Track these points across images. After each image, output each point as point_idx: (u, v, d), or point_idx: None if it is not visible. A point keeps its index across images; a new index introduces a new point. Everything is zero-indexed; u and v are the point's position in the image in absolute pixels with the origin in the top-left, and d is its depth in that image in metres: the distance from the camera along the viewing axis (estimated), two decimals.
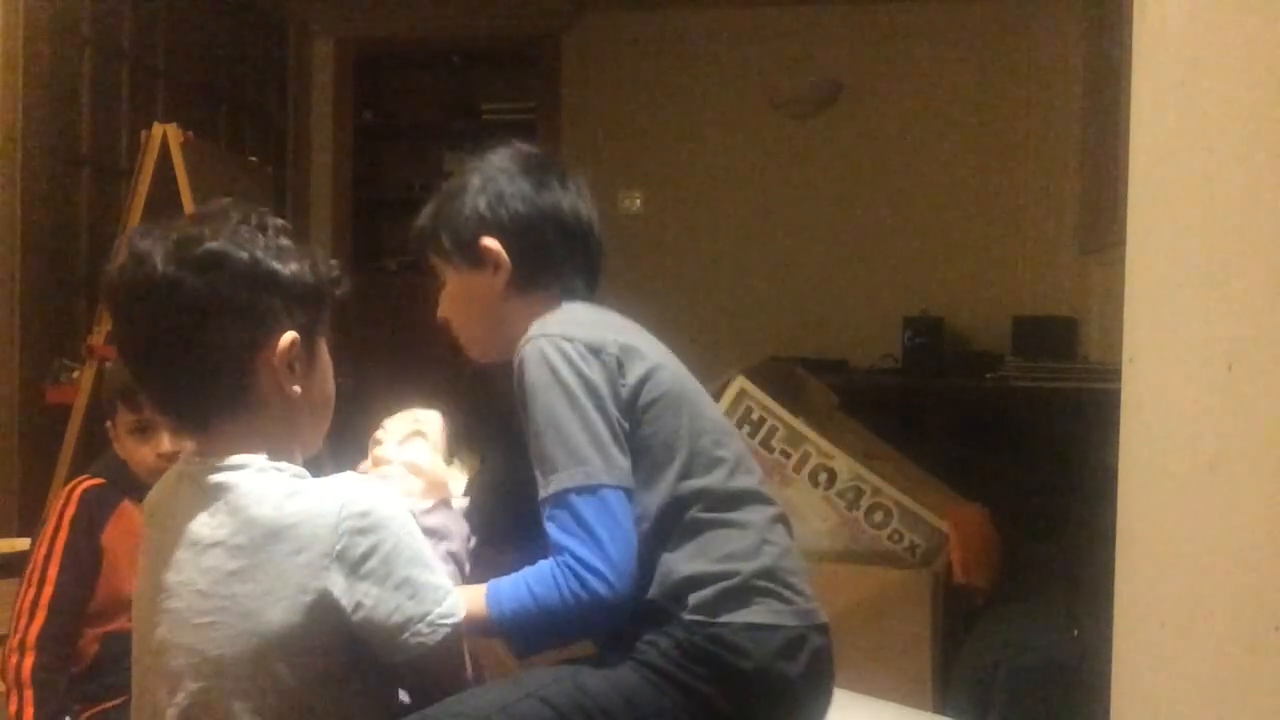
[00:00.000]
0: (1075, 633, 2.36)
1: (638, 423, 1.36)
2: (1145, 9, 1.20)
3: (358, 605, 1.12)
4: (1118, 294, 1.29)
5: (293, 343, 1.20)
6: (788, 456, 2.56)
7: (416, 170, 5.47)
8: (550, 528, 1.31)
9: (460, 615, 1.18)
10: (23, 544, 2.88)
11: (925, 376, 4.49)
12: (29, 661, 1.79)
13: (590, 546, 1.27)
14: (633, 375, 1.36)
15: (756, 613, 1.33)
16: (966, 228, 4.90)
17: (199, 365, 1.16)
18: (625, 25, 5.21)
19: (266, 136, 5.08)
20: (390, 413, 1.49)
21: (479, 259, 1.46)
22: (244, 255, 1.17)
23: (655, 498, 1.35)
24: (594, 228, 1.51)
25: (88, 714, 1.85)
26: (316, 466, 1.26)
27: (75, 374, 3.39)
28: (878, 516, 2.58)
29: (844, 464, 2.59)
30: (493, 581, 1.32)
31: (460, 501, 1.44)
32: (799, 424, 2.62)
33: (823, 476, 2.59)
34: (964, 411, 4.23)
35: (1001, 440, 3.74)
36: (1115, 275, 1.85)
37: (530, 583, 1.29)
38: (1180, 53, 1.14)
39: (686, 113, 5.12)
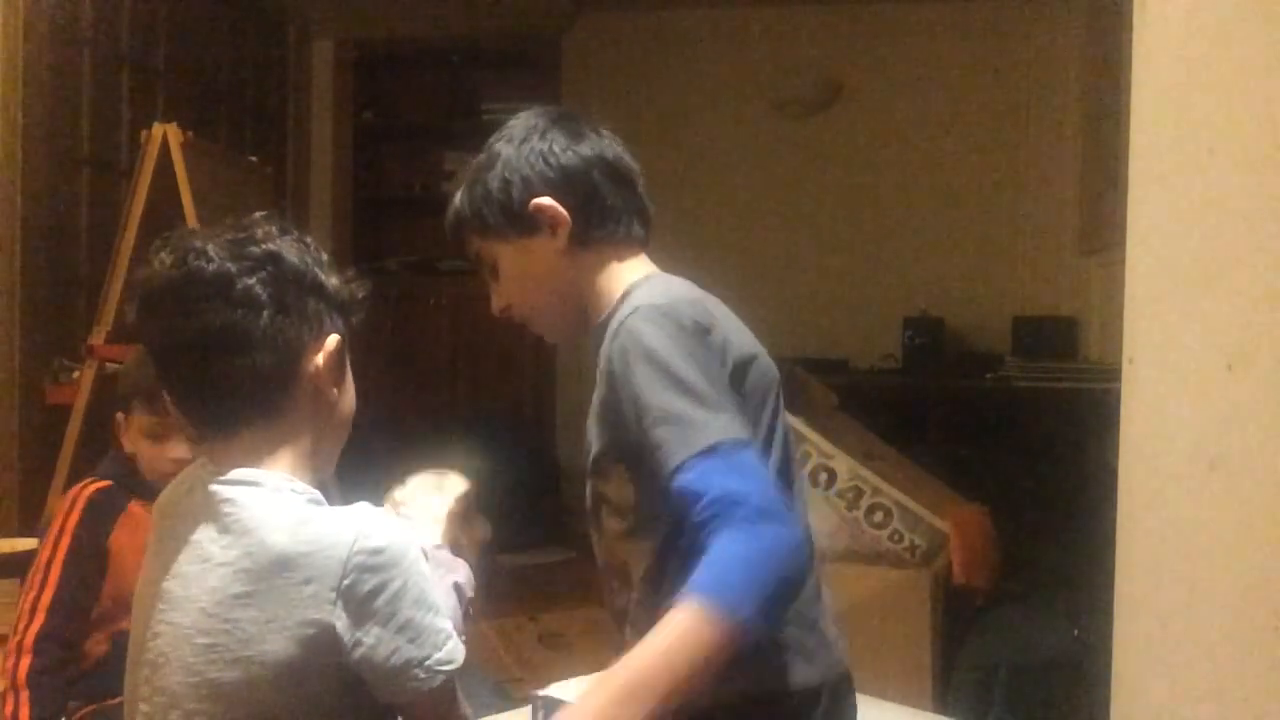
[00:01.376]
0: (1075, 633, 2.36)
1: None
2: (1145, 9, 1.20)
3: (358, 643, 1.10)
4: (1118, 294, 1.29)
5: (339, 344, 1.20)
6: None
7: (416, 170, 5.47)
8: (704, 480, 1.11)
9: (459, 661, 1.15)
10: (24, 544, 2.88)
11: (925, 376, 4.49)
12: (25, 663, 1.79)
13: (767, 489, 1.12)
14: (732, 362, 1.26)
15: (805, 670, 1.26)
16: (966, 228, 4.90)
17: (245, 363, 1.14)
18: (625, 25, 5.22)
19: (266, 136, 5.08)
20: (414, 470, 1.48)
21: (534, 222, 1.37)
22: (295, 259, 1.18)
23: None
24: (637, 173, 1.44)
25: (85, 711, 1.85)
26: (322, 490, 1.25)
27: (75, 374, 3.39)
28: (878, 516, 2.58)
29: (844, 464, 2.59)
30: (691, 589, 1.08)
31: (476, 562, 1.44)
32: (799, 424, 2.62)
33: (823, 476, 2.59)
34: (964, 411, 4.23)
35: (1001, 440, 3.74)
36: (1115, 275, 1.85)
37: (731, 558, 1.08)
38: (1180, 53, 1.14)
39: (686, 113, 5.13)
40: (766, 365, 1.31)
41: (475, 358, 5.18)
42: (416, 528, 1.40)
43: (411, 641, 1.12)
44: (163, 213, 3.10)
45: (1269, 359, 0.93)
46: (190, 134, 3.30)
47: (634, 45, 5.22)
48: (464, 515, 1.45)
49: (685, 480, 1.13)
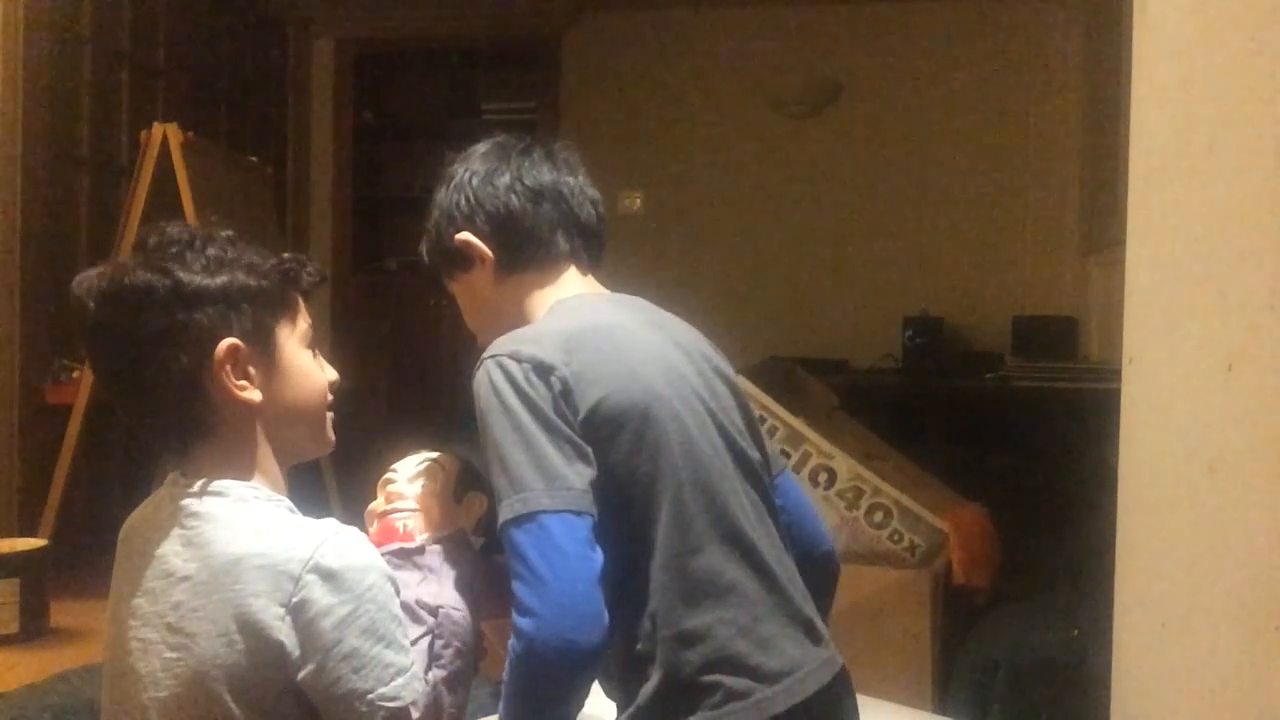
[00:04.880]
0: (1075, 633, 2.36)
1: (597, 453, 1.24)
2: (1145, 9, 1.20)
3: (303, 664, 1.09)
4: (1118, 294, 1.29)
5: (230, 349, 1.17)
6: (788, 456, 2.56)
7: (416, 170, 5.47)
8: (508, 563, 1.19)
9: (406, 700, 1.12)
10: (24, 544, 2.89)
11: (925, 376, 4.49)
12: None
13: (526, 582, 1.14)
14: (584, 405, 1.23)
15: None
16: (966, 228, 4.90)
17: (150, 397, 1.16)
18: (625, 25, 5.22)
19: (266, 136, 5.08)
20: (400, 456, 1.48)
21: (464, 258, 1.44)
22: (166, 282, 1.14)
23: (619, 547, 1.22)
24: (565, 188, 1.44)
25: None
26: (315, 475, 1.24)
27: (75, 374, 3.39)
28: (878, 516, 2.58)
29: (844, 464, 2.59)
30: None
31: (475, 540, 1.44)
32: (799, 424, 2.62)
33: (823, 476, 2.58)
34: (964, 411, 4.23)
35: (1001, 440, 3.74)
36: (1115, 275, 1.85)
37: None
38: (1180, 53, 1.14)
39: (686, 113, 5.13)
40: (616, 407, 1.25)
41: (475, 357, 5.17)
42: (420, 520, 1.40)
43: (356, 672, 1.10)
44: (163, 213, 3.10)
45: (1269, 359, 0.93)
46: (190, 134, 3.30)
47: (634, 45, 5.21)
48: (458, 494, 1.45)
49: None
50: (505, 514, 1.18)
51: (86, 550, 3.23)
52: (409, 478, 1.45)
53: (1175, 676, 1.12)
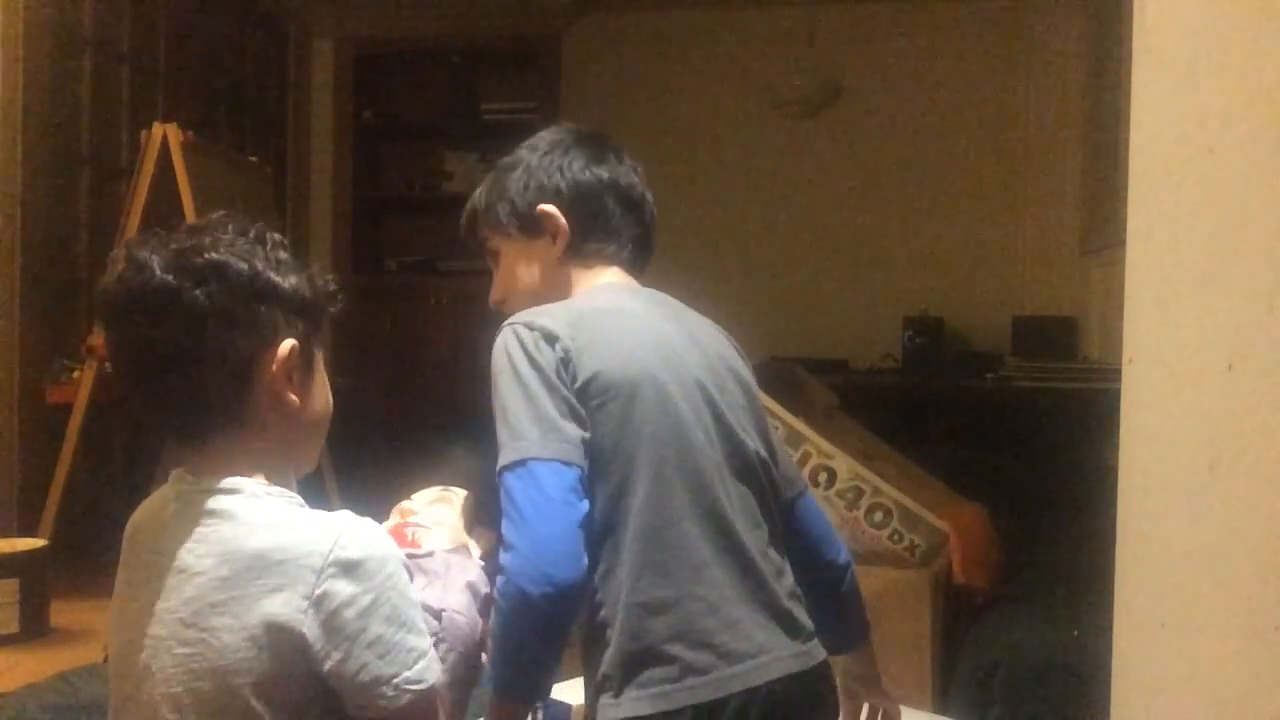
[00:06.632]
0: (1075, 633, 2.36)
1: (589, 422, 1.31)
2: (1145, 9, 1.20)
3: (328, 655, 1.10)
4: (1118, 294, 1.29)
5: (292, 350, 1.18)
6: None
7: (416, 170, 5.47)
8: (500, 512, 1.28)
9: (430, 681, 1.14)
10: (24, 544, 2.89)
11: (925, 376, 4.49)
12: None
13: (511, 521, 1.23)
14: (581, 375, 1.32)
15: (647, 698, 1.25)
16: (966, 228, 4.90)
17: (196, 376, 1.14)
18: (625, 25, 5.22)
19: (266, 136, 5.08)
20: (418, 489, 1.51)
21: (538, 226, 1.49)
22: (244, 266, 1.15)
23: (596, 513, 1.28)
24: (648, 202, 1.56)
25: None
26: (315, 475, 1.24)
27: (75, 374, 3.39)
28: (878, 516, 2.58)
29: (844, 464, 2.59)
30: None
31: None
32: (799, 424, 2.62)
33: (823, 476, 2.59)
34: (964, 411, 4.24)
35: (1001, 440, 3.74)
36: (1115, 275, 1.85)
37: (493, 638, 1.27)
38: (1180, 53, 1.14)
39: (686, 113, 5.13)
40: (608, 380, 1.33)
41: (475, 357, 5.18)
42: (430, 534, 1.41)
43: (381, 658, 1.11)
44: (163, 213, 3.10)
45: (1269, 359, 0.93)
46: (190, 134, 3.31)
47: (634, 45, 5.22)
48: (469, 527, 1.47)
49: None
50: (502, 460, 1.26)
51: (86, 550, 3.23)
52: (427, 502, 1.48)
53: (1175, 676, 1.12)
